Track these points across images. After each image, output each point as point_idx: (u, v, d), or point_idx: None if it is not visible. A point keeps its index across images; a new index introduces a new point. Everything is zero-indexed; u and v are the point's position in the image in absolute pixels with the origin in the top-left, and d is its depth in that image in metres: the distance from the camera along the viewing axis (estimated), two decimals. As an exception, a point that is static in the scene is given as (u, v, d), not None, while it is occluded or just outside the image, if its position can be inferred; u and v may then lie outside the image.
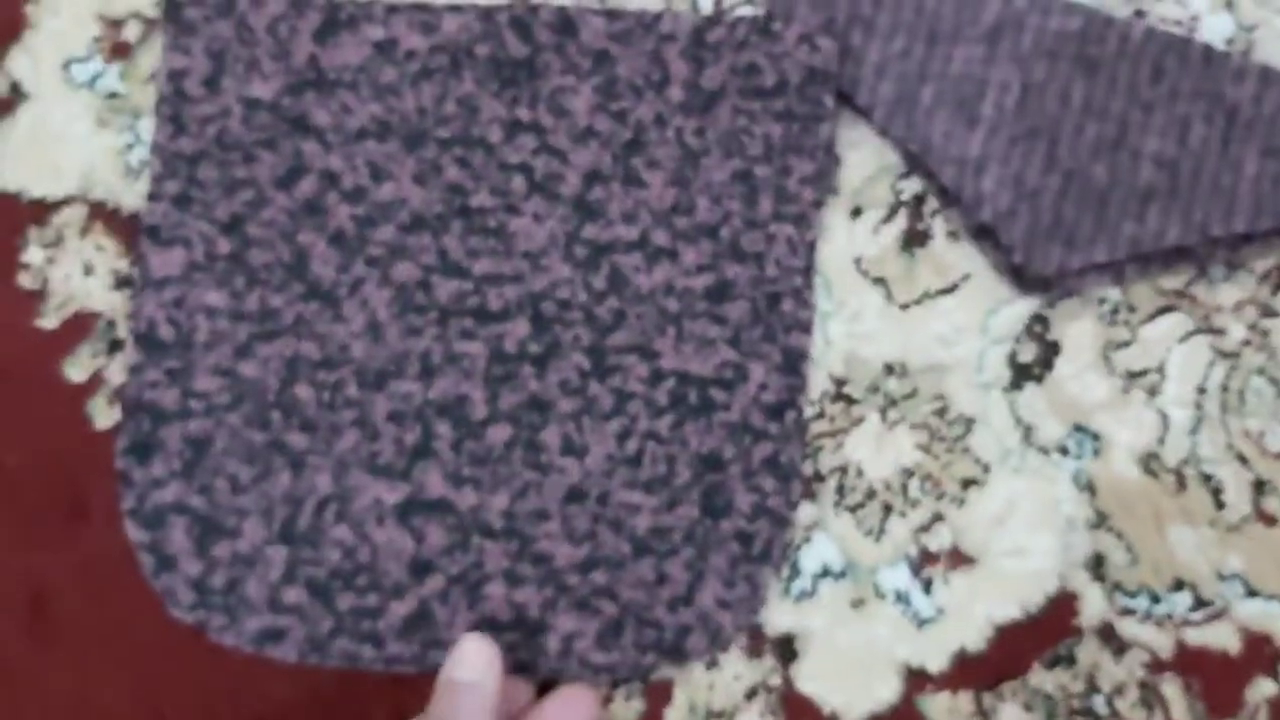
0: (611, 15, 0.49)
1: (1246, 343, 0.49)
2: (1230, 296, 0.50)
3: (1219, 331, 0.49)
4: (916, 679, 0.47)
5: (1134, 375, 0.49)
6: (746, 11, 0.52)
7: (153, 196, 0.47)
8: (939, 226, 0.50)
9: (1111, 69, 0.50)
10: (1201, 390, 0.49)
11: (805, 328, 0.48)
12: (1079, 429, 0.48)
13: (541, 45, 0.48)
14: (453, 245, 0.47)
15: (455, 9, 0.49)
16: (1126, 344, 0.49)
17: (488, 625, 0.45)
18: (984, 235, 0.50)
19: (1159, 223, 0.49)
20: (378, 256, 0.47)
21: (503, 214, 0.47)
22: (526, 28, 0.48)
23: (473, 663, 0.40)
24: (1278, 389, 0.49)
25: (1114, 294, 0.49)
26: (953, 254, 0.50)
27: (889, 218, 0.50)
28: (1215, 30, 0.52)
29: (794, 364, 0.47)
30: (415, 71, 0.48)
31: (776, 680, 0.47)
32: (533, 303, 0.47)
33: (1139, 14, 0.52)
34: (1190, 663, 0.46)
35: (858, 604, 0.47)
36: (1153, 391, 0.49)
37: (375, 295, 0.47)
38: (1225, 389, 0.49)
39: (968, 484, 0.48)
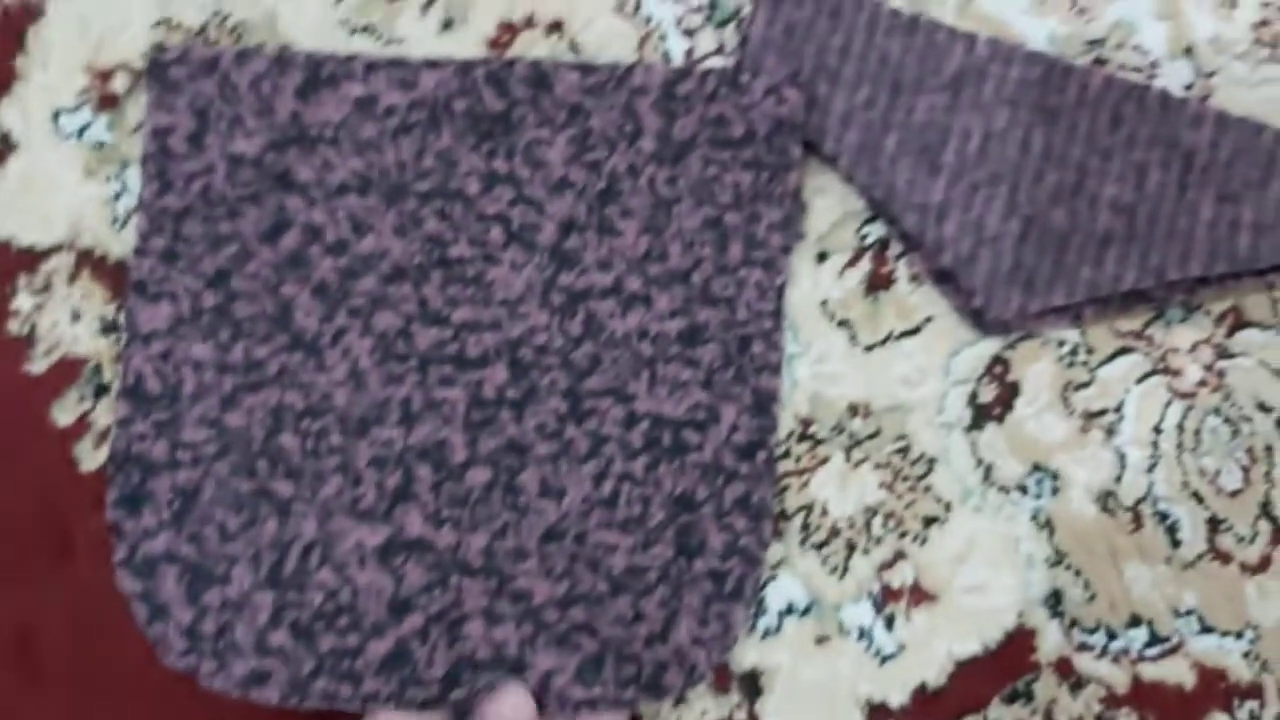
0: (585, 69, 0.53)
1: (1202, 384, 0.53)
2: (1187, 338, 0.53)
3: (1175, 373, 0.53)
4: (878, 714, 0.51)
5: (1092, 415, 0.53)
6: (716, 64, 0.56)
7: (139, 252, 0.51)
8: (902, 270, 0.54)
9: (1071, 116, 0.54)
10: (1158, 430, 0.52)
11: (775, 370, 0.52)
12: (1038, 468, 0.52)
13: (517, 99, 0.52)
14: (432, 295, 0.51)
15: (433, 65, 0.53)
16: (1085, 385, 0.53)
17: (467, 663, 0.49)
18: (946, 279, 0.54)
19: (1116, 267, 0.53)
20: (359, 307, 0.51)
21: (481, 263, 0.51)
22: (502, 82, 0.52)
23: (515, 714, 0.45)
24: (1233, 429, 0.52)
25: (1073, 336, 0.53)
26: (916, 297, 0.54)
27: (854, 262, 0.54)
28: (1174, 76, 0.55)
29: (764, 405, 0.51)
30: (395, 126, 0.52)
31: (742, 715, 0.51)
32: (511, 349, 0.51)
33: (1099, 62, 0.56)
34: (1146, 698, 0.50)
35: (821, 640, 0.51)
36: (1110, 431, 0.52)
37: (357, 344, 0.51)
38: (1181, 429, 0.53)
39: (929, 522, 0.52)
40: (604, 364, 0.51)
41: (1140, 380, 0.52)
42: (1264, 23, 0.56)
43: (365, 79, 0.52)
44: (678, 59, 0.55)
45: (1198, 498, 0.51)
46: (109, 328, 0.54)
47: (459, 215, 0.51)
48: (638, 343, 0.51)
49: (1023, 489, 0.51)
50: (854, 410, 0.52)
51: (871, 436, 0.52)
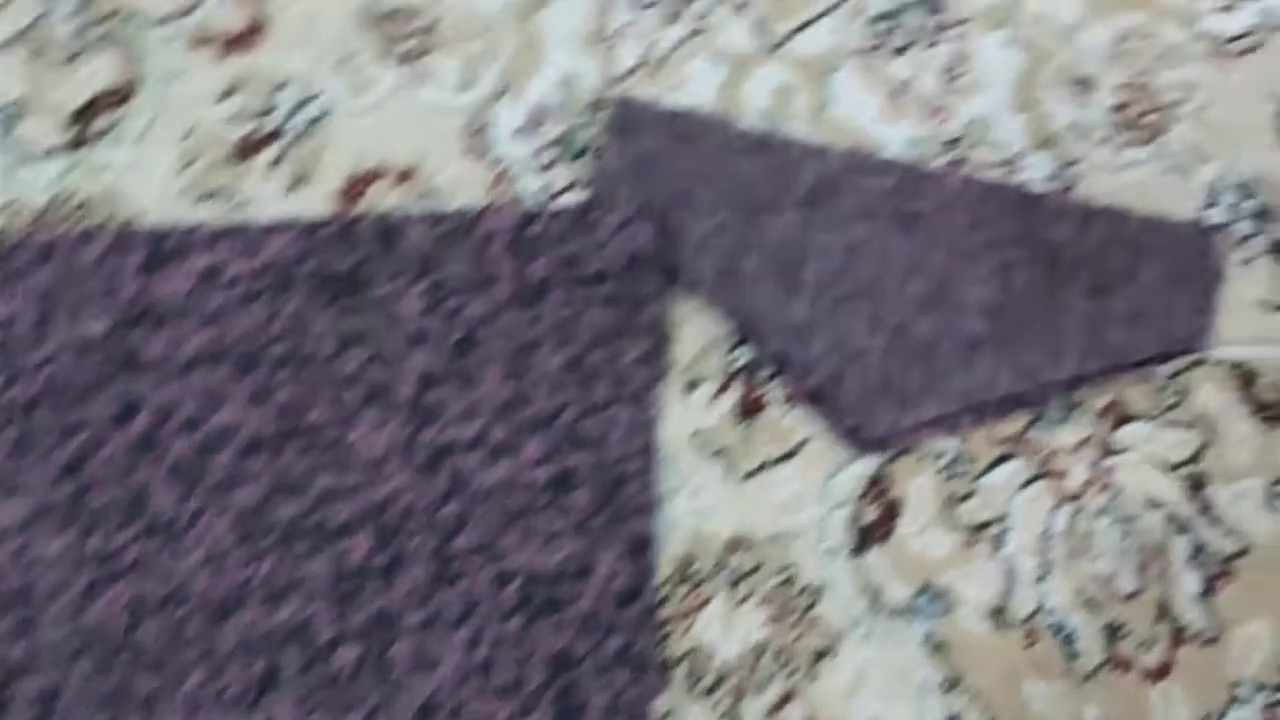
0: (433, 219, 0.52)
1: (1089, 484, 0.52)
2: (1069, 438, 0.53)
3: (1060, 475, 0.52)
4: None
5: (977, 528, 0.52)
6: (566, 202, 0.56)
7: None
8: (774, 394, 0.53)
9: (930, 222, 0.54)
10: (1047, 537, 0.52)
11: (651, 510, 0.51)
12: (926, 588, 0.51)
13: (366, 256, 0.52)
14: (291, 464, 0.50)
15: (278, 228, 0.52)
16: (968, 496, 0.52)
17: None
18: (817, 399, 0.53)
19: (989, 372, 0.52)
20: (216, 484, 0.50)
21: (339, 427, 0.51)
22: (349, 240, 0.52)
23: None
24: (1124, 529, 0.52)
25: (952, 446, 0.53)
26: (789, 420, 0.53)
27: (723, 389, 0.54)
28: (1036, 169, 0.55)
29: (641, 548, 0.50)
30: (242, 294, 0.52)
31: None
32: (374, 514, 0.50)
33: (957, 162, 0.56)
34: (1054, 819, 0.49)
35: (714, 792, 0.50)
36: (998, 543, 0.52)
37: (215, 524, 0.50)
38: (1071, 534, 0.52)
39: (819, 656, 0.51)
40: (472, 520, 0.50)
41: (1024, 486, 0.52)
42: (1123, 105, 0.56)
43: (210, 249, 0.52)
44: (533, 198, 0.55)
45: (1093, 605, 0.50)
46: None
47: (314, 379, 0.51)
48: (506, 495, 0.50)
49: (912, 612, 0.51)
50: (734, 544, 0.52)
51: (754, 570, 0.51)
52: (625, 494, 0.50)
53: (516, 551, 0.50)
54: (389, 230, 0.52)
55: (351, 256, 0.52)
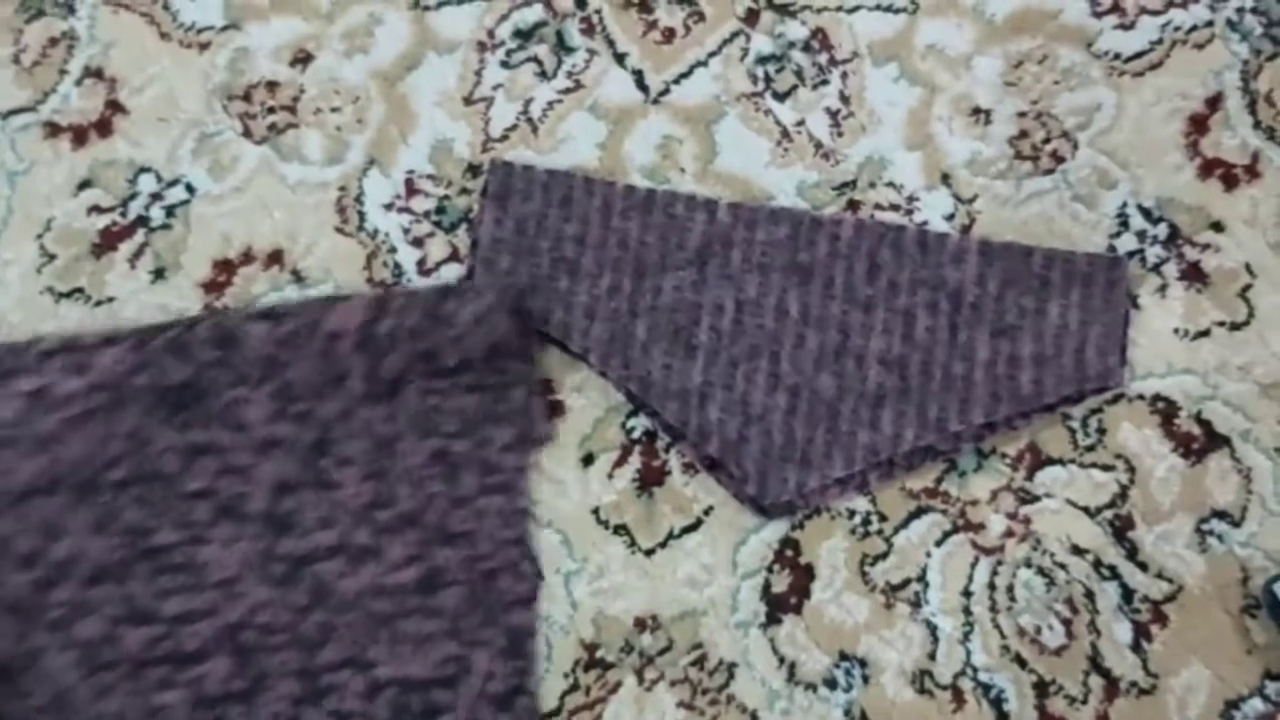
0: (274, 319, 0.49)
1: (1009, 534, 0.51)
2: (984, 487, 0.51)
3: (978, 527, 0.51)
4: None
5: (895, 588, 0.50)
6: (419, 287, 0.53)
7: None
8: (675, 461, 0.52)
9: (826, 272, 0.53)
10: (968, 594, 0.50)
11: (526, 603, 0.49)
12: (845, 657, 0.49)
13: (204, 363, 0.49)
14: (139, 590, 0.48)
15: (108, 342, 0.49)
16: (883, 556, 0.51)
17: None
18: (719, 465, 0.51)
19: (895, 426, 0.51)
20: (58, 619, 0.47)
21: (189, 547, 0.48)
22: (185, 349, 0.49)
23: None
24: (1048, 580, 0.50)
25: (862, 504, 0.51)
26: (692, 488, 0.52)
27: (622, 460, 0.52)
28: (934, 207, 0.54)
29: (519, 645, 0.48)
30: (75, 415, 0.48)
31: None
32: (232, 635, 0.48)
33: (853, 205, 0.54)
34: None
35: None
36: (917, 603, 0.50)
37: (58, 660, 0.47)
38: (993, 588, 0.50)
39: (735, 738, 0.49)
40: (337, 632, 0.48)
41: (941, 542, 0.50)
42: (1022, 134, 0.55)
43: (39, 369, 0.48)
44: (410, 271, 0.54)
45: (1020, 662, 0.49)
46: None
47: (159, 498, 0.48)
48: (372, 601, 0.48)
49: (831, 683, 0.49)
50: (642, 625, 0.50)
51: (664, 651, 0.50)
52: (499, 588, 0.49)
53: (387, 660, 0.48)
54: (226, 335, 0.49)
55: (188, 365, 0.49)
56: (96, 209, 0.55)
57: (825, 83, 0.55)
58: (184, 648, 0.47)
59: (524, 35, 0.56)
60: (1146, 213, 0.53)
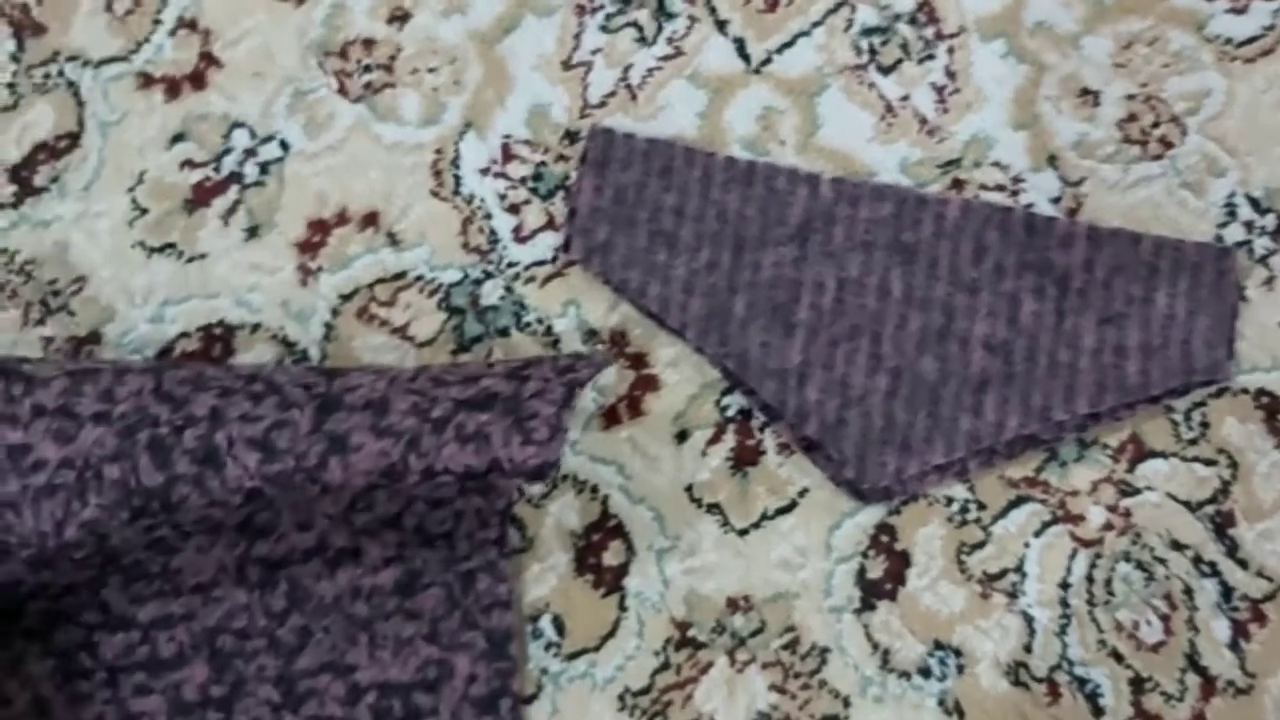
0: (268, 452, 0.44)
1: (1108, 527, 0.51)
2: (1085, 478, 0.51)
3: (1077, 519, 0.51)
4: None
5: (991, 578, 0.50)
6: (549, 239, 0.54)
7: None
8: (769, 441, 0.52)
9: (930, 252, 0.52)
10: (1066, 586, 0.50)
11: (506, 604, 0.48)
12: (939, 646, 0.50)
13: (179, 476, 0.45)
14: (114, 597, 0.47)
15: (98, 418, 0.45)
16: (980, 545, 0.51)
17: None
18: (816, 447, 0.51)
19: (997, 413, 0.51)
20: (29, 630, 0.47)
21: (162, 553, 0.47)
22: (166, 453, 0.44)
23: None
24: (1147, 574, 0.50)
25: (961, 491, 0.51)
26: (787, 469, 0.52)
27: (716, 438, 0.52)
28: (1040, 189, 0.54)
29: (501, 646, 0.48)
30: (40, 486, 0.44)
31: None
32: (209, 640, 0.47)
33: (957, 184, 0.54)
34: None
35: None
36: (1014, 594, 0.50)
37: (36, 668, 0.46)
38: (1091, 581, 0.50)
39: (828, 722, 0.49)
40: (316, 637, 0.47)
41: (1040, 532, 0.50)
42: (1131, 118, 0.54)
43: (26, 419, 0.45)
44: (505, 238, 0.53)
45: (1117, 656, 0.49)
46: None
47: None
48: (351, 604, 0.48)
49: (925, 671, 0.49)
50: (734, 605, 0.50)
51: (756, 633, 0.50)
52: (477, 590, 0.48)
53: (367, 665, 0.47)
54: (211, 454, 0.44)
55: (162, 474, 0.45)
56: (189, 163, 0.55)
57: (931, 57, 0.55)
58: (161, 653, 0.47)
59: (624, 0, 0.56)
60: (1255, 203, 0.53)
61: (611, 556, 0.50)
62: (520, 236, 0.53)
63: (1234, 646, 0.48)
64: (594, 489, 0.51)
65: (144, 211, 0.54)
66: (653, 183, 0.52)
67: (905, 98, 0.54)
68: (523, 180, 0.54)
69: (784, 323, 0.51)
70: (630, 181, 0.52)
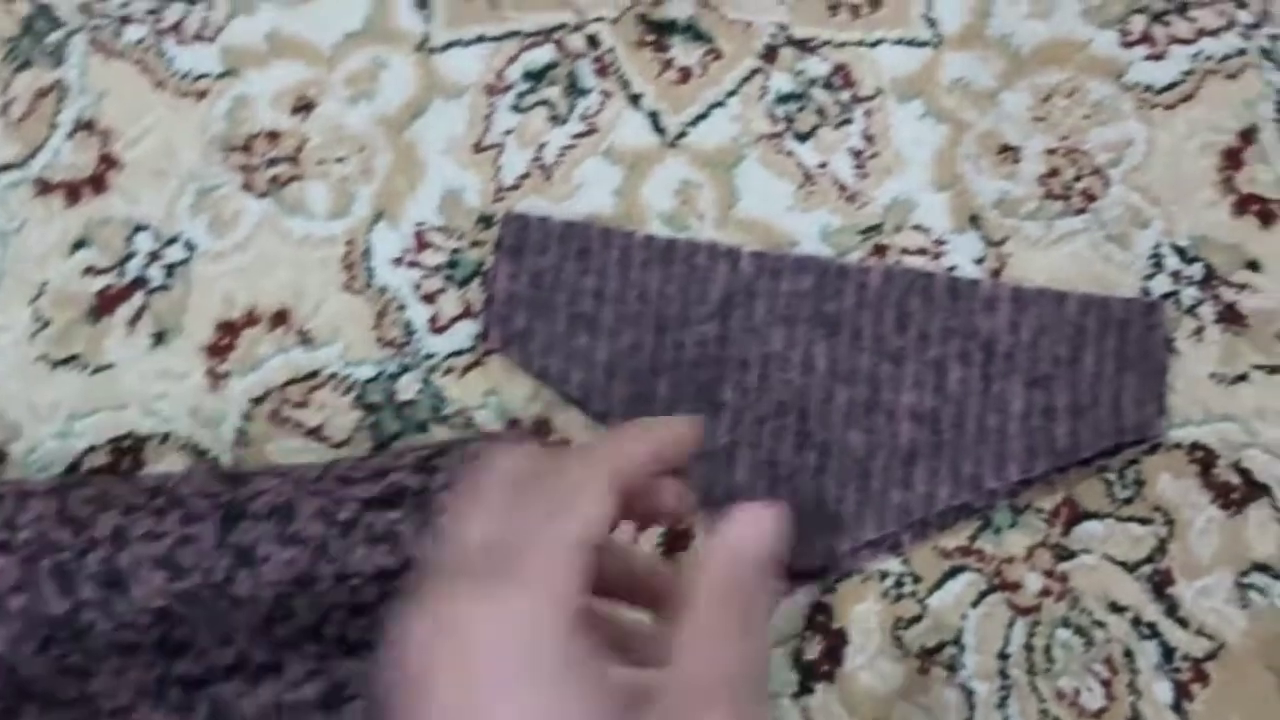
0: (173, 570, 0.45)
1: (1045, 593, 0.51)
2: (1020, 544, 0.52)
3: (1014, 586, 0.51)
4: None
5: (930, 652, 0.51)
6: (464, 328, 0.54)
7: None
8: (700, 525, 0.52)
9: (853, 323, 0.53)
10: (1004, 656, 0.51)
11: None
12: (880, 726, 0.50)
13: (85, 601, 0.45)
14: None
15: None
16: (917, 619, 0.51)
17: None
18: (748, 528, 0.51)
19: (928, 484, 0.51)
20: None
21: (78, 681, 0.46)
22: (69, 579, 0.44)
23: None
24: (1086, 639, 0.50)
25: (895, 565, 0.51)
26: (720, 552, 0.52)
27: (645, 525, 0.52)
28: (963, 250, 0.54)
29: None
30: None
31: None
32: None
33: (878, 250, 0.54)
34: None
35: None
36: (952, 667, 0.50)
37: None
38: (1030, 649, 0.51)
39: (770, 812, 0.49)
40: None
41: (976, 602, 0.51)
42: (1052, 172, 0.55)
43: None
44: (421, 329, 0.53)
45: (1060, 726, 0.49)
46: None
47: None
48: None
49: (867, 753, 0.49)
50: (670, 694, 0.50)
51: (693, 721, 0.50)
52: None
53: None
54: (114, 577, 0.45)
55: (68, 599, 0.45)
56: (92, 270, 0.55)
57: (848, 122, 0.55)
58: None
59: (535, 77, 0.56)
60: (1181, 252, 0.54)
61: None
62: (437, 327, 0.53)
63: (1176, 708, 0.49)
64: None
65: (46, 324, 0.54)
66: (570, 266, 0.52)
67: (824, 164, 0.55)
68: (437, 268, 0.54)
69: (710, 403, 0.51)
70: (547, 266, 0.52)
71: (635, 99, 0.56)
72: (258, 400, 0.53)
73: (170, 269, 0.55)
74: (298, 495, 0.45)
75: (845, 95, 0.56)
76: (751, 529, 0.36)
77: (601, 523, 0.33)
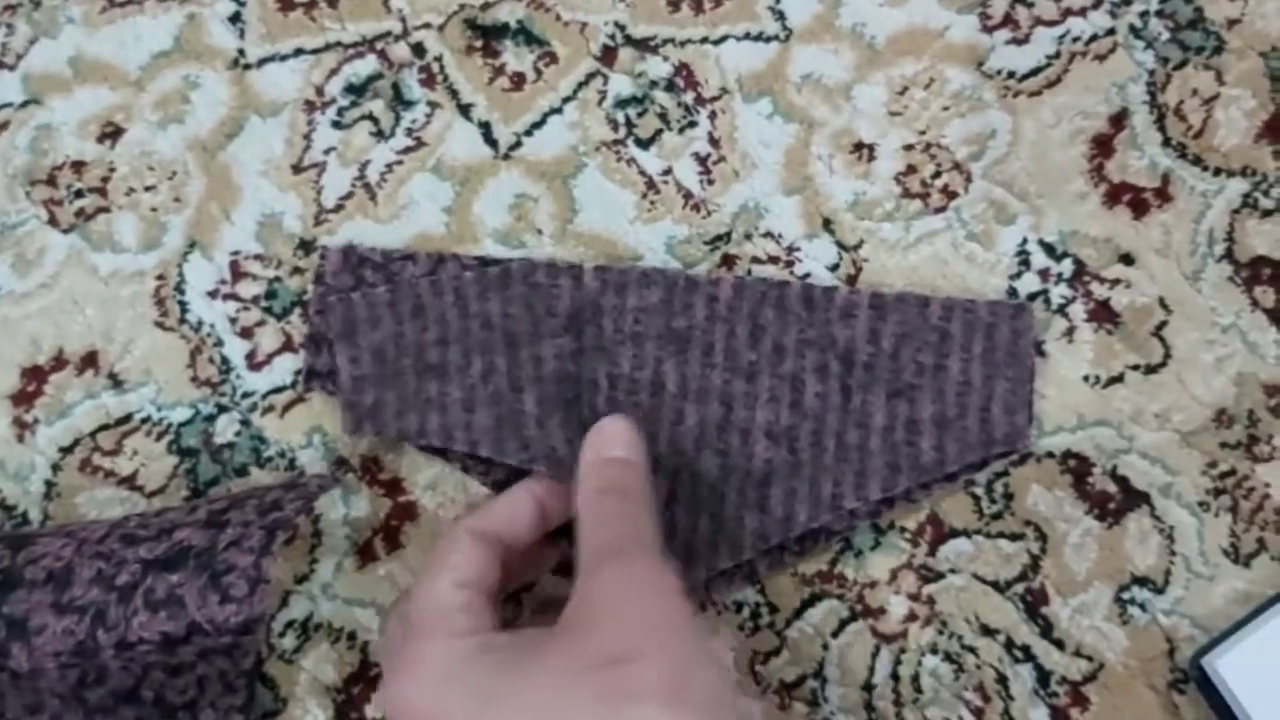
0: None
1: (911, 618, 0.49)
2: (883, 567, 0.50)
3: (878, 612, 0.49)
4: None
5: (789, 686, 0.49)
6: (288, 364, 0.51)
7: None
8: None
9: (704, 339, 0.50)
10: (870, 688, 0.49)
11: None
12: (739, 768, 0.48)
13: None
14: None
15: None
16: (775, 651, 0.49)
17: None
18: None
19: (784, 507, 0.49)
20: None
21: None
22: None
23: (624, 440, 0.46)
24: (956, 666, 0.49)
25: (751, 595, 0.49)
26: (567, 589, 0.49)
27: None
28: (817, 257, 0.52)
29: None
30: None
31: None
32: None
33: (727, 260, 0.52)
34: None
35: None
36: (815, 702, 0.49)
37: None
38: (896, 679, 0.49)
39: None
40: None
41: (838, 631, 0.49)
42: (910, 170, 0.53)
43: None
44: (239, 366, 0.51)
45: (925, 760, 0.47)
46: None
47: None
48: None
49: (725, 798, 0.47)
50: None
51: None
52: None
53: None
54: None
55: None
56: (-115, 321, 0.52)
57: (693, 125, 0.53)
58: None
59: (357, 90, 0.54)
60: (1049, 248, 0.52)
61: (376, 709, 0.48)
62: (255, 363, 0.51)
63: (1055, 735, 0.47)
64: (351, 636, 0.49)
65: None
66: (409, 328, 0.50)
67: (667, 171, 0.53)
68: (255, 300, 0.51)
69: (576, 420, 0.48)
70: (386, 337, 0.50)
71: (465, 109, 0.54)
72: (67, 449, 0.51)
73: (-30, 316, 0.52)
74: (79, 557, 0.43)
75: (689, 96, 0.54)
76: (608, 434, 0.46)
77: (467, 568, 0.42)
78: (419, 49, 0.55)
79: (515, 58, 0.54)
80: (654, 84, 0.54)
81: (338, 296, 0.50)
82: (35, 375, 0.52)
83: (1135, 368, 0.51)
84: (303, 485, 0.45)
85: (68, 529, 0.46)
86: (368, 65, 0.54)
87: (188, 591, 0.42)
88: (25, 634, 0.42)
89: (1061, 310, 0.51)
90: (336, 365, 0.50)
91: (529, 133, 0.54)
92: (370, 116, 0.54)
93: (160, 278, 0.52)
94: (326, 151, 0.53)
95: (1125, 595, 0.49)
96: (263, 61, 0.54)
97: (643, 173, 0.53)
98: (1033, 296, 0.51)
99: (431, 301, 0.50)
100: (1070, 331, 0.51)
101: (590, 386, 0.50)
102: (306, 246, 0.52)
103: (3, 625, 0.42)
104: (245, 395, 0.51)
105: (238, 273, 0.52)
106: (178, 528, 0.44)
